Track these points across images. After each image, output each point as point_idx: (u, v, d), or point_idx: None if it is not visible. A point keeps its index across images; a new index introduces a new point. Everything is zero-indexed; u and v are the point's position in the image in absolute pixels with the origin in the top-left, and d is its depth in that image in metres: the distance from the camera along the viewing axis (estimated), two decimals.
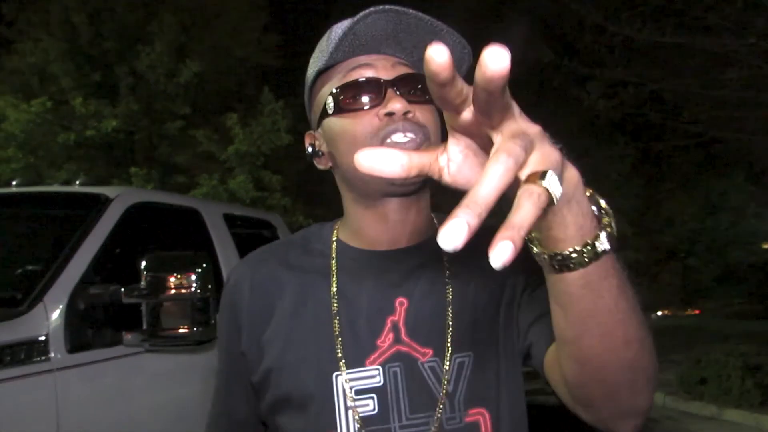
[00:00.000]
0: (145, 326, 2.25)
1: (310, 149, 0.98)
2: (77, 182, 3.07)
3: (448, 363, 0.87)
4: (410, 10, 0.84)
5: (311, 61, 0.93)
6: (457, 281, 0.93)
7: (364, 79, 0.88)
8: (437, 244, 0.92)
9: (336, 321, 0.89)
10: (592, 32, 6.92)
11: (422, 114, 0.89)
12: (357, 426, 0.85)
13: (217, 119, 14.32)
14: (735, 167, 20.80)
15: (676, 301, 24.74)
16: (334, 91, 0.89)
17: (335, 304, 0.90)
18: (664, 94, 7.43)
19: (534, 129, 0.50)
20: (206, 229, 3.24)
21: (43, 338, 2.13)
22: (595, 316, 0.64)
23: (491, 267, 0.90)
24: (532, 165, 0.48)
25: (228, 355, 0.98)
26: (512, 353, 0.91)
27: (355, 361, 0.87)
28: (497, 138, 0.49)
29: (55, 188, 3.13)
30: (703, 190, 21.81)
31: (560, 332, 0.69)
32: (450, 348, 0.87)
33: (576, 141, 19.55)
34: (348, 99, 0.88)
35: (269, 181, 13.74)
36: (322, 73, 0.92)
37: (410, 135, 0.86)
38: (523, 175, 0.48)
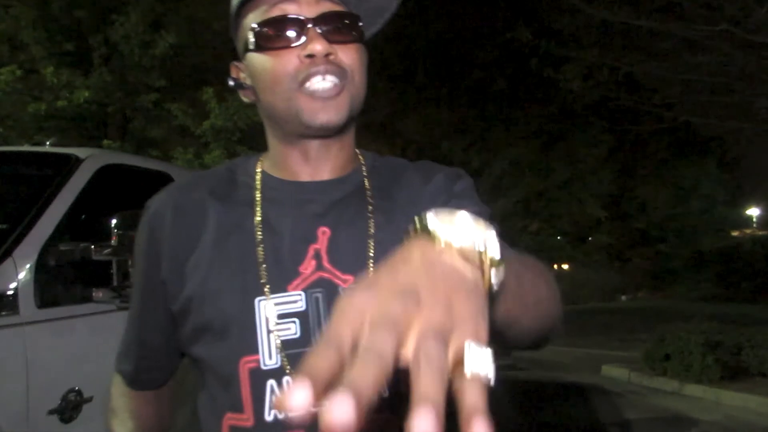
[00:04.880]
0: (115, 283, 2.26)
1: (232, 82, 0.99)
2: (48, 143, 3.05)
3: None
4: None
5: None
6: (379, 214, 0.94)
7: (284, 16, 0.86)
8: (360, 177, 0.98)
9: (260, 249, 0.89)
10: (569, 13, 6.97)
11: (345, 54, 0.88)
12: (278, 348, 0.85)
13: (193, 93, 14.14)
14: (707, 155, 21.18)
15: (647, 285, 25.22)
16: (254, 26, 0.88)
17: (259, 233, 0.90)
18: (638, 78, 7.53)
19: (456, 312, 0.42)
20: None
21: (11, 292, 2.13)
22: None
23: (415, 199, 0.95)
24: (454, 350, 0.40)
25: (145, 283, 0.96)
26: None
27: (278, 286, 0.87)
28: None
29: (27, 148, 3.11)
30: (675, 178, 22.16)
31: None
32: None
33: (553, 124, 19.77)
34: (268, 37, 0.87)
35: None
36: (247, 1, 0.90)
37: (330, 78, 0.86)
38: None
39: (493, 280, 0.51)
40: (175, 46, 14.33)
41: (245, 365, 0.85)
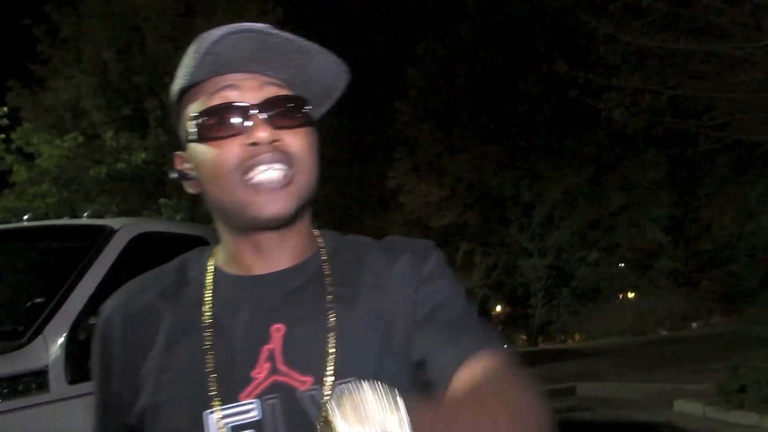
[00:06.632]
0: None
1: (175, 174, 0.93)
2: (85, 215, 3.16)
3: (329, 391, 0.79)
4: (273, 30, 0.80)
5: (177, 73, 0.85)
6: (340, 303, 0.87)
7: (225, 104, 0.82)
8: (318, 262, 0.91)
9: (209, 355, 0.82)
10: (605, 42, 6.88)
11: (292, 140, 0.83)
12: None
13: None
14: None
15: (719, 309, 24.04)
16: (195, 115, 0.83)
17: (209, 337, 0.84)
18: (682, 101, 7.32)
19: None
20: None
21: (42, 370, 2.19)
22: None
23: (381, 283, 0.89)
24: None
25: (101, 395, 0.91)
26: (406, 382, 0.84)
27: (230, 396, 0.80)
28: None
29: (63, 221, 3.23)
30: (740, 195, 21.24)
31: None
32: (331, 375, 0.80)
33: (603, 152, 19.39)
34: (210, 126, 0.82)
35: None
36: (188, 89, 0.85)
37: (277, 166, 0.81)
38: None
39: None
40: None
41: None
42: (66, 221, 3.22)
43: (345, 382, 0.80)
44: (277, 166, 0.81)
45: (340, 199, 21.11)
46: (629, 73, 7.14)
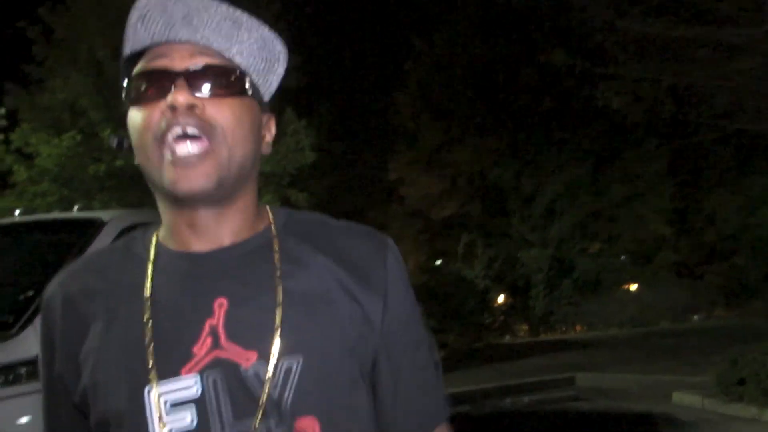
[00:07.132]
0: None
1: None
2: (75, 207, 3.16)
3: (273, 368, 0.79)
4: None
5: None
6: (289, 280, 0.85)
7: (152, 69, 0.83)
8: (267, 239, 0.89)
9: (149, 330, 0.81)
10: (602, 30, 6.84)
11: (216, 109, 0.82)
12: None
13: None
14: None
15: (721, 302, 24.01)
16: (126, 81, 0.85)
17: (148, 312, 0.83)
18: (682, 89, 7.27)
19: None
20: None
21: (33, 360, 2.18)
22: None
23: (333, 268, 0.87)
24: None
25: (46, 377, 0.91)
26: (355, 364, 0.85)
27: (170, 371, 0.79)
28: None
29: (53, 215, 3.23)
30: (744, 186, 21.18)
31: None
32: (276, 351, 0.80)
33: (605, 143, 19.35)
34: (137, 90, 0.83)
35: (296, 199, 13.87)
36: (130, 60, 0.86)
37: (191, 131, 0.79)
38: None
39: None
40: None
41: None
42: (56, 215, 3.22)
43: (290, 360, 0.80)
44: (191, 130, 0.79)
45: (341, 193, 21.14)
46: (627, 60, 7.10)
